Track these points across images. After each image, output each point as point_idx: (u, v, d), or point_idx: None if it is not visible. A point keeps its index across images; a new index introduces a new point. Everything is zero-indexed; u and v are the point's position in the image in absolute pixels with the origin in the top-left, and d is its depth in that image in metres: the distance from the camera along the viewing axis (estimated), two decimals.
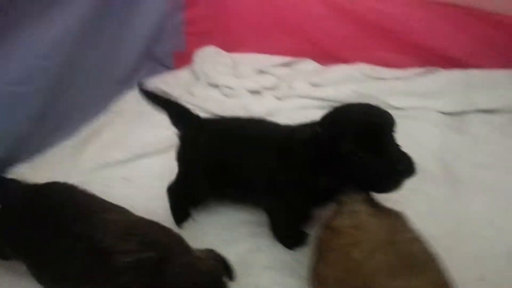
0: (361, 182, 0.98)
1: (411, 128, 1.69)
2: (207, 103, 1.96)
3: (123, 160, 1.61)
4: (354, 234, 0.87)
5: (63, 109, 1.72)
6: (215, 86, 2.14)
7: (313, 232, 1.15)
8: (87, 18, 1.72)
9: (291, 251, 1.20)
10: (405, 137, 1.61)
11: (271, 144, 1.15)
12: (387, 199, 1.15)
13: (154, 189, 1.45)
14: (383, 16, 2.07)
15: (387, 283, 0.76)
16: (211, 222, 1.33)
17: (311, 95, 1.97)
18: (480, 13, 1.94)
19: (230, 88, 2.09)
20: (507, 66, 1.97)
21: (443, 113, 1.81)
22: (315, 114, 1.71)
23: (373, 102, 1.81)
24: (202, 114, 1.91)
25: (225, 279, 0.89)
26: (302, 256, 1.15)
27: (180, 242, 0.92)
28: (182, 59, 2.37)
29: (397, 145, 0.96)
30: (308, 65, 2.26)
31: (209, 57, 2.31)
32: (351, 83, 2.02)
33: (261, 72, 2.23)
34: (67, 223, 0.94)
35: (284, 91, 2.05)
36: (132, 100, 2.05)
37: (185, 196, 1.34)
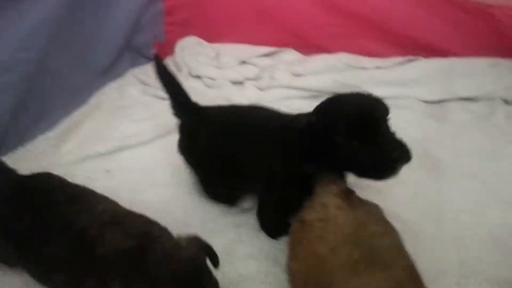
0: (356, 170, 0.99)
1: (393, 116, 1.70)
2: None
3: (105, 153, 1.59)
4: (321, 227, 0.86)
5: (43, 102, 1.69)
6: (197, 77, 2.13)
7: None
8: (64, 8, 1.68)
9: (274, 241, 1.21)
10: None
11: (268, 133, 1.14)
12: (370, 186, 1.17)
13: (136, 181, 1.45)
14: (365, 6, 2.08)
15: (349, 280, 0.74)
16: (195, 212, 1.32)
17: (293, 85, 1.97)
18: (462, 2, 1.95)
19: (212, 79, 2.08)
20: (487, 54, 2.00)
21: (424, 101, 1.84)
22: (297, 104, 1.73)
23: (355, 90, 1.87)
24: None
25: (209, 266, 0.89)
26: (285, 246, 1.14)
27: (164, 232, 0.91)
28: (163, 50, 2.33)
29: (392, 133, 0.97)
30: (290, 55, 2.26)
31: (190, 48, 2.29)
32: (333, 72, 2.03)
33: (243, 62, 2.22)
34: (56, 211, 0.95)
35: (266, 81, 2.05)
36: (112, 92, 2.03)
37: (217, 184, 1.34)
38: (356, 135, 0.94)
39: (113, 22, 2.03)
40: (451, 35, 2.02)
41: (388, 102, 1.79)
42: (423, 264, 1.02)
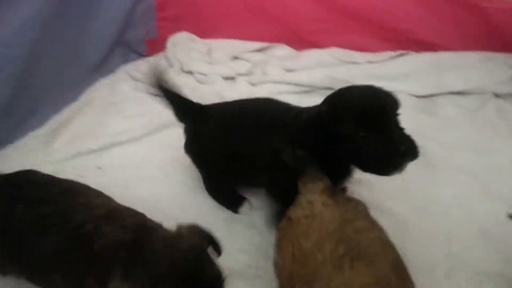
0: (363, 163, 0.99)
1: None
2: (181, 90, 1.93)
3: (96, 149, 1.58)
4: (306, 224, 0.86)
5: (33, 99, 1.68)
6: (189, 72, 2.12)
7: None
8: (53, 4, 1.67)
9: (265, 236, 1.21)
10: None
11: (277, 125, 1.13)
12: (360, 180, 1.17)
13: (127, 177, 1.45)
14: (357, 2, 2.08)
15: (333, 275, 0.75)
16: (187, 208, 1.33)
17: (285, 81, 1.97)
18: None
19: (204, 74, 2.08)
20: (478, 49, 2.00)
21: (415, 95, 1.84)
22: (289, 99, 1.72)
23: (346, 85, 1.87)
24: None
25: (211, 254, 0.88)
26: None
27: (159, 226, 0.91)
28: (155, 46, 2.33)
29: (401, 128, 0.96)
30: (282, 50, 2.26)
31: (182, 44, 2.28)
32: (324, 67, 2.03)
33: (236, 58, 2.22)
34: (51, 205, 0.94)
35: (258, 76, 2.05)
36: (104, 88, 2.02)
37: (220, 186, 1.35)
38: (365, 127, 0.93)
39: (104, 18, 2.02)
40: (442, 29, 2.03)
41: None
42: (413, 256, 1.03)
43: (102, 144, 1.60)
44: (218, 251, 0.92)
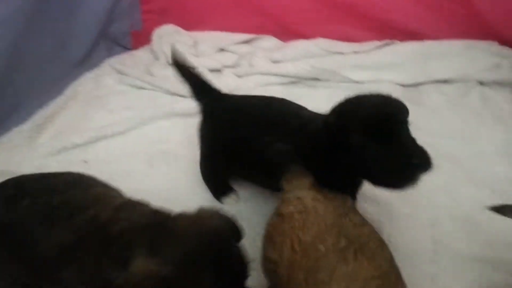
0: (373, 177, 0.93)
1: None
2: (167, 82, 1.94)
3: (81, 144, 1.57)
4: (301, 218, 0.86)
5: (16, 94, 1.66)
6: None
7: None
8: None
9: (257, 229, 1.21)
10: None
11: (286, 131, 1.07)
12: None
13: (113, 171, 1.43)
14: None
15: (337, 266, 0.74)
16: (173, 202, 1.32)
17: (271, 72, 1.97)
18: None
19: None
20: (463, 37, 2.02)
21: (401, 85, 1.85)
22: (276, 90, 1.73)
23: (333, 76, 1.88)
24: (163, 94, 1.91)
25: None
26: None
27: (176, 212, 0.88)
28: (140, 39, 2.32)
29: (411, 137, 0.90)
30: (269, 42, 2.26)
31: (168, 36, 2.27)
32: (311, 58, 2.04)
33: (222, 50, 2.21)
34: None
35: (245, 68, 2.05)
36: (88, 82, 2.01)
37: (215, 171, 1.33)
38: (375, 137, 0.88)
39: (88, 11, 2.00)
40: (427, 18, 2.04)
41: (365, 86, 1.83)
42: (398, 242, 1.05)
43: (87, 138, 1.58)
44: (239, 236, 0.88)
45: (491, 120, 1.63)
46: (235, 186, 1.35)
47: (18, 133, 1.64)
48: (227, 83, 1.92)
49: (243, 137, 1.14)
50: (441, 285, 1.02)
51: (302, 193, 0.92)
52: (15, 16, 1.57)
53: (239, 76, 2.01)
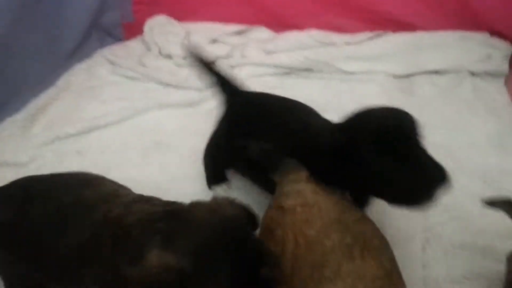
0: (387, 194, 0.89)
1: (361, 91, 1.75)
2: (159, 73, 1.93)
3: (75, 134, 1.57)
4: (303, 212, 0.84)
5: (9, 84, 1.66)
6: (168, 56, 2.10)
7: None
8: None
9: None
10: (354, 100, 1.65)
11: (297, 141, 1.03)
12: None
13: (107, 161, 1.44)
14: None
15: (343, 263, 0.73)
16: (167, 192, 1.32)
17: (264, 63, 1.97)
18: None
19: (183, 58, 2.06)
20: (454, 28, 2.03)
21: (393, 75, 1.86)
22: (269, 81, 1.73)
23: (325, 67, 1.88)
24: (155, 85, 1.90)
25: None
26: None
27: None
28: (132, 29, 2.30)
29: (425, 151, 0.85)
30: (261, 33, 2.25)
31: (160, 27, 2.26)
32: (303, 49, 2.03)
33: (214, 41, 2.20)
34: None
35: (237, 59, 2.04)
36: (81, 73, 2.00)
37: (217, 160, 1.32)
38: (388, 152, 0.83)
39: (79, 2, 1.99)
40: (420, 9, 2.04)
41: (358, 77, 1.84)
42: (391, 230, 1.05)
43: (81, 129, 1.58)
44: (255, 224, 0.85)
45: (483, 111, 1.63)
46: (230, 176, 1.35)
47: (12, 123, 1.63)
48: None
49: (249, 135, 1.11)
50: (432, 273, 1.03)
51: (300, 186, 0.91)
52: (5, 6, 1.55)
53: (232, 67, 2.00)
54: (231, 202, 0.82)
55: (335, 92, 1.77)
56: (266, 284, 0.73)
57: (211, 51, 2.06)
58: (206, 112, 1.67)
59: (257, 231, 0.87)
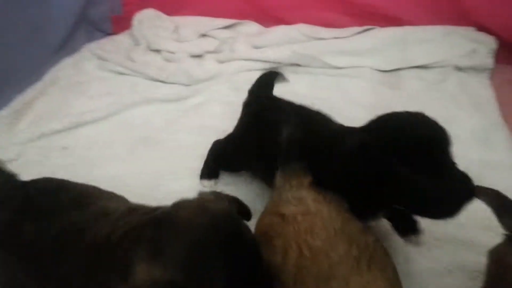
0: (414, 205, 0.87)
1: (348, 85, 1.76)
2: (148, 68, 1.93)
3: (61, 130, 1.56)
4: (305, 221, 0.82)
5: None
6: (156, 51, 2.09)
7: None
8: None
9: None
10: (341, 94, 1.66)
11: (322, 148, 0.99)
12: None
13: (93, 157, 1.44)
14: None
15: (351, 277, 0.71)
16: (154, 188, 1.33)
17: (253, 57, 1.96)
18: None
19: (171, 52, 2.05)
20: (441, 22, 2.03)
21: (380, 70, 1.87)
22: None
23: (313, 61, 1.88)
24: (143, 80, 1.90)
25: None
26: None
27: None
28: (120, 23, 2.28)
29: (455, 163, 0.84)
30: (250, 27, 2.24)
31: (148, 21, 2.25)
32: (292, 44, 2.03)
33: (203, 35, 2.20)
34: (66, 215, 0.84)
35: (226, 54, 2.04)
36: (68, 68, 1.99)
37: (223, 157, 1.32)
38: (419, 162, 0.81)
39: None
40: (407, 4, 2.05)
41: (345, 72, 1.85)
42: (373, 226, 1.06)
43: (67, 124, 1.57)
44: (248, 214, 0.84)
45: (468, 106, 1.65)
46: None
47: None
48: (209, 69, 1.92)
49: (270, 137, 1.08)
50: (415, 265, 1.05)
51: (301, 193, 0.89)
52: None
53: (221, 62, 2.00)
54: (218, 196, 0.80)
55: (323, 86, 1.78)
56: (266, 284, 0.73)
57: (200, 45, 2.07)
58: (194, 107, 1.68)
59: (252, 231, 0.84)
